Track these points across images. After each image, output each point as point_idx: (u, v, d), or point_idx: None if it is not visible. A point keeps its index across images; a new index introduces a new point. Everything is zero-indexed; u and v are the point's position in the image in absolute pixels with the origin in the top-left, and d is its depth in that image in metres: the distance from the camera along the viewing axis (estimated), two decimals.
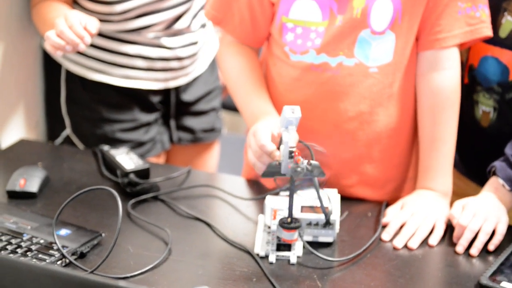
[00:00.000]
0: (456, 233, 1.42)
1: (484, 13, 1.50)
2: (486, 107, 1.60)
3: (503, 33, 1.54)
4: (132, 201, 1.51)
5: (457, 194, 1.52)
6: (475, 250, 1.38)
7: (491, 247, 1.39)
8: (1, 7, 1.79)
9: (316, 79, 1.52)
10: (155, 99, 1.90)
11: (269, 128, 1.41)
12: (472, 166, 1.64)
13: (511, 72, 1.55)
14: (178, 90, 1.94)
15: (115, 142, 1.79)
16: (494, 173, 1.46)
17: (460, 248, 1.40)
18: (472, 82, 1.61)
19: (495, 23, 1.54)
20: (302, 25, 1.51)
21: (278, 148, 1.35)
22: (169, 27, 1.83)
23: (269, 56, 1.61)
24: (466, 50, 1.61)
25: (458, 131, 1.54)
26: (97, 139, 1.82)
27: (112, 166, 1.64)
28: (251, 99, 1.58)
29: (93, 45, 1.79)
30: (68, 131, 1.89)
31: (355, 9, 1.48)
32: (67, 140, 1.89)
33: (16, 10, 1.82)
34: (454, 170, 1.59)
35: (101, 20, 1.75)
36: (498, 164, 1.47)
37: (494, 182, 1.47)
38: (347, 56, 1.50)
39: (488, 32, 1.50)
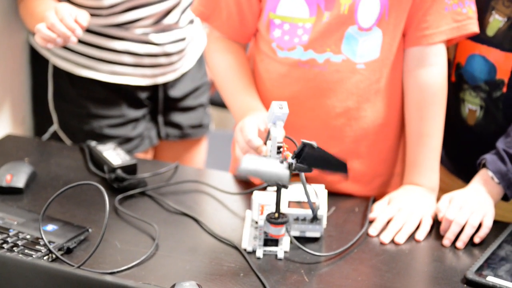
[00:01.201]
0: (442, 227, 1.44)
1: (471, 9, 1.51)
2: (472, 105, 1.61)
3: (490, 31, 1.55)
4: (119, 196, 1.51)
5: (444, 190, 1.52)
6: (460, 243, 1.40)
7: (477, 239, 1.40)
8: None
9: (304, 75, 1.53)
10: (143, 95, 1.91)
11: (256, 123, 1.42)
12: (459, 164, 1.65)
13: (498, 70, 1.56)
14: (166, 86, 1.95)
15: (103, 138, 1.78)
16: (484, 166, 1.47)
17: (447, 241, 1.41)
18: (459, 80, 1.62)
19: (483, 22, 1.55)
20: (289, 22, 1.51)
21: (266, 144, 1.36)
22: (157, 22, 1.83)
23: (256, 52, 1.61)
24: (453, 48, 1.62)
25: (445, 129, 1.55)
26: (84, 135, 1.82)
27: (99, 161, 1.64)
28: (239, 95, 1.59)
29: (80, 41, 1.78)
30: (55, 126, 1.89)
31: (342, 6, 1.48)
32: (55, 135, 1.89)
33: (1, 5, 1.82)
34: (441, 167, 1.60)
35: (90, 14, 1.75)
36: (488, 157, 1.47)
37: (484, 175, 1.48)
38: (334, 53, 1.50)
39: (475, 28, 1.51)
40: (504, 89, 1.56)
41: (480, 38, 1.56)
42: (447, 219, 1.42)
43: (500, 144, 1.48)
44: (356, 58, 1.51)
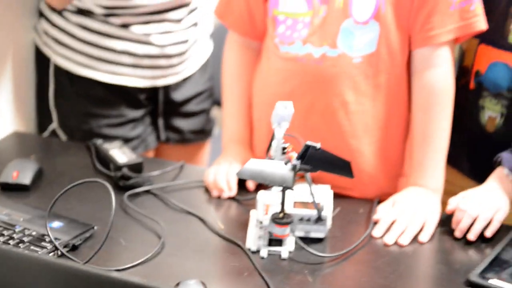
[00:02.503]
0: (455, 218, 1.44)
1: (479, 6, 1.50)
2: (493, 112, 1.60)
3: None
4: (125, 194, 1.52)
5: (455, 192, 1.51)
6: (472, 235, 1.41)
7: (488, 233, 1.41)
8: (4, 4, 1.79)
9: (301, 70, 1.55)
10: (142, 96, 1.90)
11: (224, 169, 1.60)
12: (476, 168, 1.62)
13: None
14: (167, 89, 1.93)
15: (101, 138, 1.77)
16: (500, 164, 1.48)
17: (458, 233, 1.43)
18: (478, 87, 1.60)
19: (504, 29, 1.54)
20: (291, 17, 1.54)
21: (270, 145, 1.36)
22: (161, 13, 1.80)
23: (263, 51, 1.63)
24: (472, 55, 1.60)
25: (463, 135, 1.57)
26: (83, 134, 1.83)
27: (105, 159, 1.64)
28: (231, 117, 1.69)
29: (80, 40, 1.79)
30: (54, 124, 1.88)
31: (337, 0, 1.50)
32: (54, 133, 1.89)
33: (7, 4, 1.81)
34: (458, 171, 1.63)
35: (88, 12, 1.77)
36: (505, 154, 1.48)
37: (499, 173, 1.48)
38: (331, 47, 1.51)
39: (483, 26, 1.50)
40: None
41: (502, 45, 1.55)
42: (460, 210, 1.43)
43: None
44: (352, 52, 1.51)
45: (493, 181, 1.49)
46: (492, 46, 1.56)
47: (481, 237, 1.44)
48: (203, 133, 2.06)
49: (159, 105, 1.94)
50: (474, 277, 1.28)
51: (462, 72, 1.61)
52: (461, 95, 1.55)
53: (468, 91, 1.60)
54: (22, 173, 1.56)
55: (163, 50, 1.83)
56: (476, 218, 1.42)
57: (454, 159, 1.63)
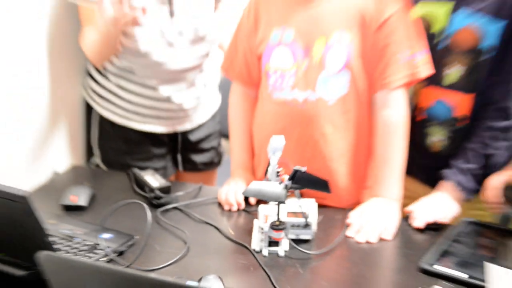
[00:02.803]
0: (413, 212, 1.47)
1: (423, 58, 1.48)
2: (440, 136, 1.60)
3: (447, 81, 1.55)
4: (158, 210, 1.52)
5: (417, 197, 1.54)
6: (422, 224, 1.46)
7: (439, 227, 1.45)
8: (61, 67, 1.79)
9: (289, 111, 1.53)
10: (165, 138, 1.88)
11: (232, 188, 1.60)
12: (430, 178, 1.61)
13: (461, 108, 1.55)
14: (184, 132, 1.91)
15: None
16: (445, 178, 1.51)
17: (420, 224, 1.46)
18: (424, 119, 1.61)
19: (441, 75, 1.54)
20: (280, 70, 1.54)
21: (267, 170, 1.35)
22: (179, 74, 1.79)
23: (259, 99, 1.63)
24: (417, 96, 1.61)
25: (414, 153, 1.56)
26: (120, 166, 1.81)
27: (141, 184, 1.64)
28: (238, 149, 1.69)
29: (119, 97, 1.79)
30: (97, 159, 1.87)
31: (315, 57, 1.49)
32: (97, 166, 1.88)
33: (63, 66, 1.81)
34: (415, 179, 1.64)
35: (126, 71, 1.75)
36: (447, 171, 1.51)
37: (446, 184, 1.51)
38: (312, 91, 1.50)
39: (426, 73, 1.49)
40: (464, 123, 1.56)
41: (441, 86, 1.56)
42: (419, 207, 1.49)
43: (460, 163, 1.52)
44: (328, 96, 1.50)
45: (442, 192, 1.51)
46: (435, 87, 1.56)
47: (431, 233, 1.45)
48: (212, 165, 2.03)
49: (178, 144, 1.92)
50: (424, 264, 1.29)
51: (414, 108, 1.61)
52: (412, 126, 1.55)
53: (416, 123, 1.60)
54: (80, 196, 1.56)
55: (180, 106, 1.82)
56: (434, 217, 1.45)
57: (413, 172, 1.62)
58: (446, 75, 1.54)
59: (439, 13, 1.53)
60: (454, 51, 1.52)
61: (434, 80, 1.54)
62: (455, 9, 1.50)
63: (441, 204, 1.48)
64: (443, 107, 1.57)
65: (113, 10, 1.46)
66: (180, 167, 1.96)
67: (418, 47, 1.48)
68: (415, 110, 1.61)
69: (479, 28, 1.46)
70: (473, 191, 1.50)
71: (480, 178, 1.50)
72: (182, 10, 1.70)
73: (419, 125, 1.60)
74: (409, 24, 1.49)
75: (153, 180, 1.63)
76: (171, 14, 1.69)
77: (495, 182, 1.43)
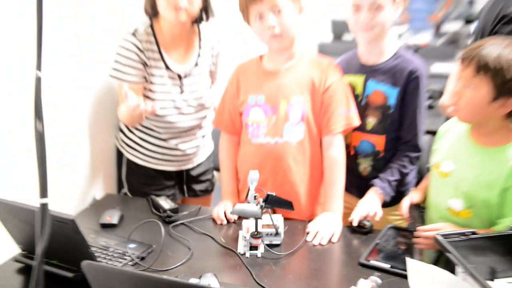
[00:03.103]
0: (355, 212, 1.48)
1: (354, 112, 1.52)
2: (366, 165, 1.63)
3: (368, 127, 1.59)
4: (170, 226, 1.52)
5: (352, 208, 1.53)
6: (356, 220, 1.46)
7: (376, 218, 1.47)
8: (101, 124, 1.79)
9: (264, 151, 1.54)
10: (174, 174, 1.84)
11: (223, 209, 1.57)
12: (362, 194, 1.58)
13: (378, 146, 1.59)
14: (187, 170, 1.87)
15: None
16: (373, 185, 1.53)
17: (354, 218, 1.46)
18: (355, 153, 1.63)
19: (364, 122, 1.58)
20: (256, 123, 1.55)
21: (247, 195, 1.38)
22: (185, 132, 1.79)
23: (241, 141, 1.64)
24: (349, 137, 1.62)
25: (350, 177, 1.57)
26: (141, 194, 1.78)
27: (157, 207, 1.63)
28: (226, 180, 1.66)
29: (142, 146, 1.78)
30: (125, 189, 1.84)
31: (281, 112, 1.52)
32: (125, 194, 1.85)
33: (102, 123, 1.80)
34: (352, 195, 1.63)
35: (148, 129, 1.76)
36: (376, 180, 1.53)
37: (375, 189, 1.52)
38: (280, 137, 1.52)
39: (357, 123, 1.52)
40: (382, 154, 1.60)
41: (365, 130, 1.59)
42: (358, 206, 1.49)
43: (382, 175, 1.55)
44: (291, 140, 1.51)
45: (371, 194, 1.52)
46: (361, 132, 1.60)
47: (365, 236, 1.45)
48: (207, 191, 1.98)
49: (183, 178, 1.89)
50: (362, 260, 1.31)
51: (347, 146, 1.63)
52: (348, 158, 1.57)
53: (351, 156, 1.62)
54: (113, 217, 1.56)
55: (184, 152, 1.80)
56: (367, 213, 1.47)
57: (351, 190, 1.64)
58: (367, 123, 1.58)
59: (358, 82, 1.59)
60: (371, 106, 1.58)
61: (359, 126, 1.56)
62: (366, 80, 1.57)
63: (371, 202, 1.49)
64: (367, 145, 1.60)
65: (133, 106, 1.47)
66: (185, 194, 1.93)
67: (351, 105, 1.52)
68: (348, 147, 1.63)
69: (384, 92, 1.55)
70: (390, 195, 1.53)
71: (396, 188, 1.55)
72: (189, 88, 1.73)
73: (353, 158, 1.63)
74: (344, 89, 1.53)
75: (165, 203, 1.62)
76: (181, 91, 1.72)
77: (405, 202, 1.45)
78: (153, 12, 1.63)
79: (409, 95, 1.52)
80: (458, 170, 1.34)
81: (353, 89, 1.58)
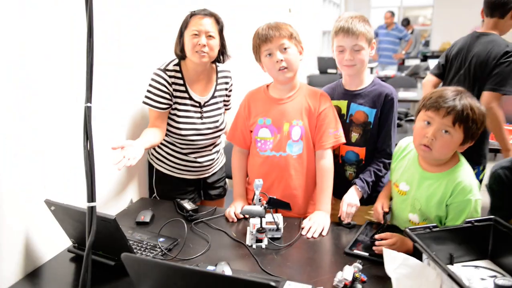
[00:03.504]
0: (342, 210, 1.45)
1: (341, 132, 1.53)
2: (351, 171, 1.62)
3: (352, 140, 1.59)
4: (192, 223, 1.51)
5: (336, 209, 1.53)
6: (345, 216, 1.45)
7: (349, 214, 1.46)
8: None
9: (270, 162, 1.54)
10: (193, 182, 1.83)
11: (234, 208, 1.54)
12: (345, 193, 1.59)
13: (360, 155, 1.58)
14: (204, 178, 1.85)
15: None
16: (356, 183, 1.51)
17: (343, 216, 1.45)
18: (342, 162, 1.63)
19: (349, 136, 1.58)
20: (263, 139, 1.55)
21: (253, 198, 1.37)
22: (204, 148, 1.78)
23: (251, 153, 1.63)
24: (338, 149, 1.61)
25: (338, 182, 1.56)
26: (168, 198, 1.77)
27: (181, 208, 1.63)
28: (237, 185, 1.63)
29: (167, 159, 1.77)
30: (155, 194, 1.83)
31: (284, 132, 1.52)
32: (155, 198, 1.83)
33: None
34: (336, 199, 1.60)
35: (172, 144, 1.75)
36: (356, 180, 1.51)
37: (355, 187, 1.50)
38: (283, 151, 1.52)
39: (343, 140, 1.54)
40: (363, 162, 1.59)
41: (350, 143, 1.58)
42: (344, 201, 1.47)
43: (362, 175, 1.53)
44: (292, 153, 1.51)
45: (353, 190, 1.49)
46: (346, 144, 1.59)
47: (349, 230, 1.44)
48: (220, 196, 1.94)
49: (200, 185, 1.87)
50: (346, 249, 1.30)
51: (336, 156, 1.62)
52: (336, 166, 1.57)
53: (339, 163, 1.62)
54: (146, 216, 1.55)
55: (202, 164, 1.80)
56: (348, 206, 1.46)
57: (337, 193, 1.62)
58: (352, 136, 1.59)
59: (343, 105, 1.60)
60: (355, 123, 1.58)
61: (345, 140, 1.58)
62: (348, 104, 1.58)
63: (352, 197, 1.47)
64: (352, 154, 1.60)
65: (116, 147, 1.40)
66: (202, 198, 1.91)
67: (338, 126, 1.54)
68: (337, 157, 1.63)
69: (365, 112, 1.56)
70: (367, 193, 1.52)
71: (372, 187, 1.54)
72: (207, 114, 1.74)
73: (340, 165, 1.63)
74: (334, 113, 1.54)
75: (188, 205, 1.62)
76: (201, 117, 1.72)
77: (379, 209, 1.44)
78: (181, 54, 1.67)
79: (385, 113, 1.53)
80: (412, 192, 1.33)
81: (339, 110, 1.60)
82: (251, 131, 1.58)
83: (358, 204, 1.47)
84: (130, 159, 1.33)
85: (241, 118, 1.61)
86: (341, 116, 1.58)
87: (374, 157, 1.57)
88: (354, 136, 1.58)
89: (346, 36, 1.44)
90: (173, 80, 1.67)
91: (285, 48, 1.44)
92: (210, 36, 1.60)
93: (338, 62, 1.53)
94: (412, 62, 6.46)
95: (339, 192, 1.61)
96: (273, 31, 1.43)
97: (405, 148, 1.42)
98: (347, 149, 1.60)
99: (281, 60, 1.44)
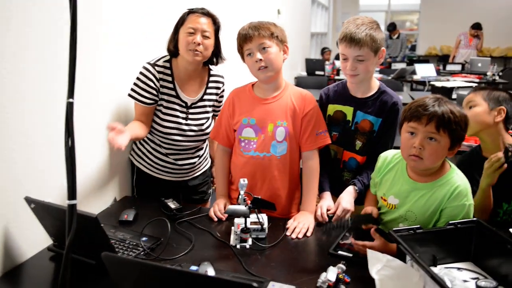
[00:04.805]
0: (337, 214, 1.44)
1: (326, 133, 1.53)
2: (348, 177, 1.61)
3: (356, 148, 1.58)
4: (175, 223, 1.49)
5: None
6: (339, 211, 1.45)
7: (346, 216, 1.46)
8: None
9: (254, 162, 1.53)
10: (173, 184, 1.80)
11: (217, 206, 1.54)
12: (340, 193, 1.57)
13: (360, 163, 1.58)
14: (186, 182, 1.82)
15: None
16: (352, 183, 1.51)
17: (334, 218, 1.44)
18: (343, 167, 1.62)
19: (353, 144, 1.56)
20: (247, 139, 1.54)
21: (238, 198, 1.37)
22: (187, 150, 1.76)
23: (234, 153, 1.62)
24: (340, 154, 1.59)
25: (333, 183, 1.56)
26: (151, 196, 1.73)
27: (165, 207, 1.61)
28: (219, 183, 1.62)
29: (148, 158, 1.75)
30: (135, 193, 1.81)
31: (269, 132, 1.52)
32: (137, 196, 1.80)
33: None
34: (335, 197, 1.54)
35: (154, 143, 1.73)
36: (355, 180, 1.51)
37: (351, 187, 1.50)
38: (267, 152, 1.52)
39: (329, 141, 1.53)
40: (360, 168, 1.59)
41: (354, 150, 1.57)
42: (338, 203, 1.46)
43: (359, 177, 1.53)
44: (276, 154, 1.51)
45: (350, 190, 1.50)
46: (349, 151, 1.59)
47: (333, 231, 1.44)
48: (203, 201, 1.91)
49: (181, 188, 1.83)
50: (331, 250, 1.30)
51: (336, 159, 1.62)
52: (337, 170, 1.57)
53: (339, 168, 1.62)
54: (129, 215, 1.53)
55: (181, 167, 1.78)
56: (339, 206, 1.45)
57: (334, 192, 1.59)
58: (356, 144, 1.57)
59: (348, 111, 1.57)
60: (360, 131, 1.56)
61: (349, 147, 1.58)
62: (355, 111, 1.56)
63: (347, 202, 1.46)
64: (354, 161, 1.60)
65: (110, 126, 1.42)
66: (182, 201, 1.83)
67: (323, 128, 1.54)
68: (339, 161, 1.61)
69: (370, 122, 1.54)
70: (361, 194, 1.52)
71: (366, 189, 1.53)
72: (193, 116, 1.72)
73: (340, 170, 1.63)
74: (319, 115, 1.54)
75: (172, 204, 1.60)
76: (186, 118, 1.70)
77: (367, 207, 1.44)
78: (174, 50, 1.65)
79: (389, 122, 1.52)
80: (403, 205, 1.30)
81: (344, 115, 1.58)
82: (235, 130, 1.56)
83: (353, 209, 1.46)
84: (117, 144, 1.35)
85: (225, 117, 1.59)
86: (345, 122, 1.56)
87: (371, 161, 1.53)
88: (358, 144, 1.56)
89: (349, 46, 1.41)
90: (161, 76, 1.65)
91: (264, 48, 1.43)
92: (205, 35, 1.59)
93: (342, 69, 1.51)
94: (398, 66, 6.56)
95: (337, 192, 1.60)
96: (252, 30, 1.43)
97: (390, 161, 1.38)
98: (350, 155, 1.59)
99: (260, 59, 1.43)
